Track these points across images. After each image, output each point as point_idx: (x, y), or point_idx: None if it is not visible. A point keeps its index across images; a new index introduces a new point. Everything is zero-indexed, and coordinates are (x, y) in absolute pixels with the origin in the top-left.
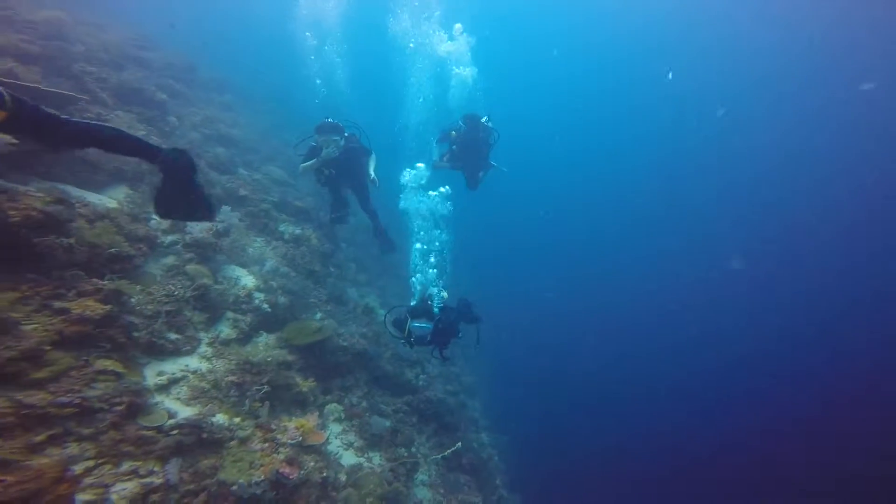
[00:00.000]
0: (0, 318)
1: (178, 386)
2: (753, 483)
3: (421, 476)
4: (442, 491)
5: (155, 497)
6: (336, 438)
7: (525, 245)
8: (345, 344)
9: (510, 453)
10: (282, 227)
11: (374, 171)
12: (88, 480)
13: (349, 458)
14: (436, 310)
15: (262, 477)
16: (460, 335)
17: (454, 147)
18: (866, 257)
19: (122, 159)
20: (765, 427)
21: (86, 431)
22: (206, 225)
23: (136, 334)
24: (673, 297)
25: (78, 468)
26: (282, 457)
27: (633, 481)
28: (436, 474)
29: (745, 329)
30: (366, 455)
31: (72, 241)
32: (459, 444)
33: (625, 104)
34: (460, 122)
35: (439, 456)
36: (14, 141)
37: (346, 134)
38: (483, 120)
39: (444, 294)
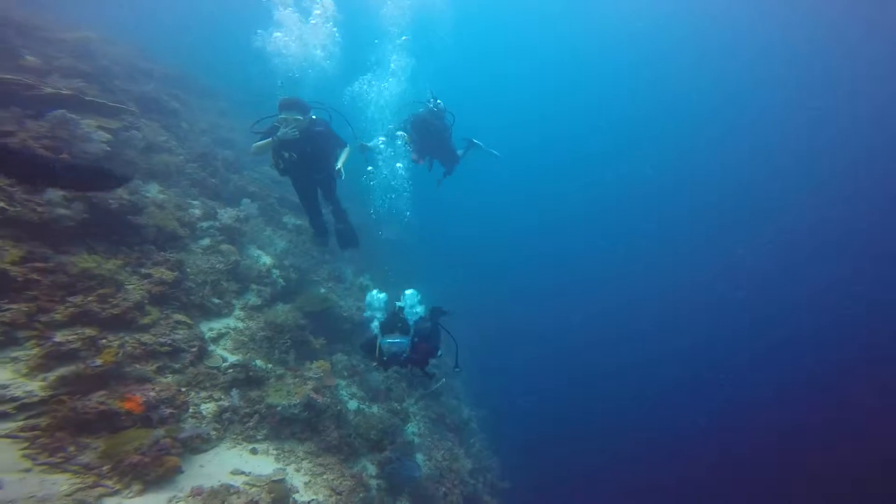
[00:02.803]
0: (116, 279)
1: (224, 339)
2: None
3: (411, 428)
4: (430, 440)
5: (226, 414)
6: (342, 389)
7: (520, 245)
8: (345, 315)
9: (489, 424)
10: (285, 219)
11: (343, 163)
12: (187, 399)
13: (353, 405)
14: (410, 321)
15: (298, 400)
16: (440, 353)
17: (415, 138)
18: (868, 260)
19: (154, 159)
20: (759, 431)
21: (176, 366)
22: (232, 212)
23: (192, 297)
24: (663, 296)
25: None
26: (310, 387)
27: (607, 459)
28: (424, 428)
29: (737, 333)
30: (366, 404)
31: (147, 222)
32: (444, 379)
33: (624, 106)
34: (408, 126)
35: (428, 391)
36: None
37: (313, 116)
38: (430, 105)
39: (419, 307)
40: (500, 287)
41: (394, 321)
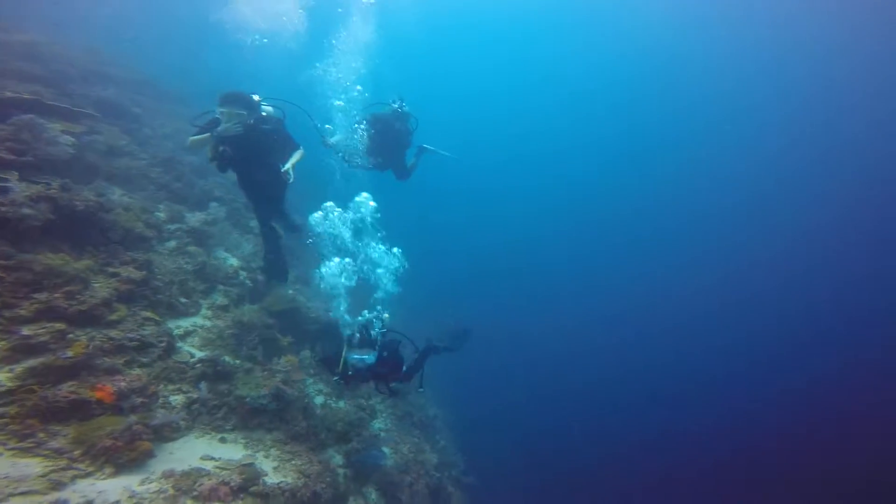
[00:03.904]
0: (82, 277)
1: (191, 336)
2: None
3: (378, 423)
4: (396, 434)
5: (195, 406)
6: (309, 385)
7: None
8: (312, 315)
9: (455, 424)
10: (251, 224)
11: (292, 164)
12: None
13: (320, 400)
14: (377, 335)
15: (266, 391)
16: (405, 369)
17: (372, 136)
18: (868, 259)
19: (116, 164)
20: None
21: (144, 360)
22: (200, 216)
23: (159, 296)
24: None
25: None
26: (278, 379)
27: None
28: (391, 423)
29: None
30: (333, 399)
31: (114, 223)
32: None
33: (624, 108)
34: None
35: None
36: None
37: (262, 113)
38: (395, 106)
39: (386, 315)
40: (483, 291)
41: (361, 335)
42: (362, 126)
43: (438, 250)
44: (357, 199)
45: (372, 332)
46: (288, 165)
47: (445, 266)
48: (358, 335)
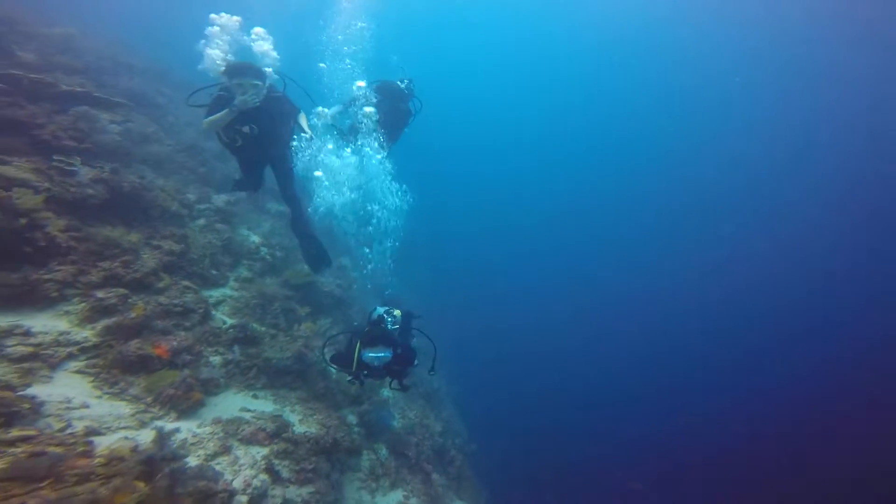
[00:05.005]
0: (134, 248)
1: (222, 305)
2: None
3: (386, 392)
4: (403, 402)
5: (230, 366)
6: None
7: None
8: (326, 290)
9: (458, 400)
10: (268, 206)
11: (309, 126)
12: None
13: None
14: (392, 332)
15: (290, 354)
16: (417, 363)
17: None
18: (866, 257)
19: (147, 150)
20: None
21: (187, 324)
22: (224, 197)
23: (194, 267)
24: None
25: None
26: (300, 343)
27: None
28: (398, 393)
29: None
30: None
31: (153, 202)
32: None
33: (617, 103)
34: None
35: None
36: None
37: (268, 83)
38: (402, 86)
39: (397, 312)
40: (480, 285)
41: (374, 332)
42: (371, 111)
43: (438, 247)
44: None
45: (387, 330)
46: (306, 128)
47: (446, 267)
48: (368, 328)
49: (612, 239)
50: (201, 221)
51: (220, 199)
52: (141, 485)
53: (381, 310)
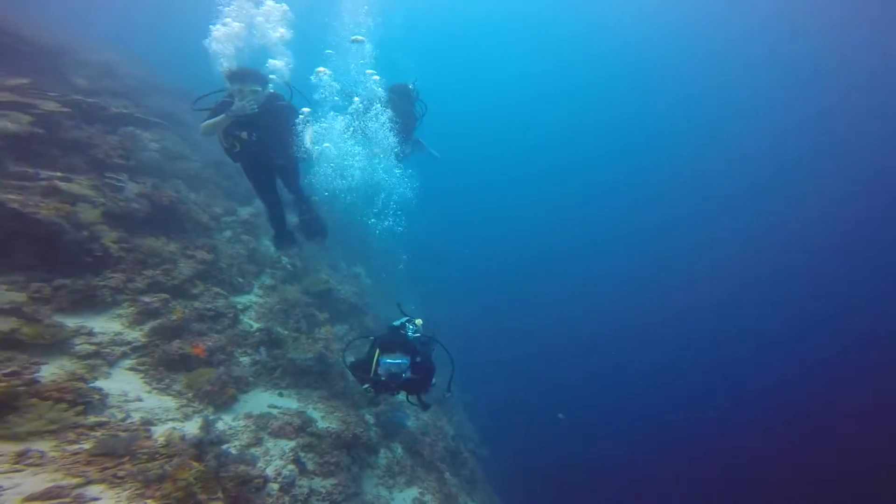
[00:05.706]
0: (173, 258)
1: (248, 310)
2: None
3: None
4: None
5: (257, 366)
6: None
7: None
8: (343, 297)
9: (469, 406)
10: (288, 218)
11: (312, 140)
12: (232, 350)
13: None
14: (412, 339)
15: (312, 355)
16: (434, 381)
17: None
18: (866, 257)
19: (177, 166)
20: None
21: (218, 327)
22: (249, 209)
23: (224, 276)
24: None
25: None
26: (320, 345)
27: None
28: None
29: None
30: None
31: (186, 215)
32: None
33: (622, 106)
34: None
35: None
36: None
37: (270, 88)
38: (410, 86)
39: (419, 321)
40: (490, 286)
41: (393, 339)
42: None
43: (444, 252)
44: None
45: (408, 335)
46: (308, 142)
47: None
48: (387, 334)
49: (620, 241)
50: (228, 233)
51: (244, 212)
52: (195, 464)
53: (403, 319)
